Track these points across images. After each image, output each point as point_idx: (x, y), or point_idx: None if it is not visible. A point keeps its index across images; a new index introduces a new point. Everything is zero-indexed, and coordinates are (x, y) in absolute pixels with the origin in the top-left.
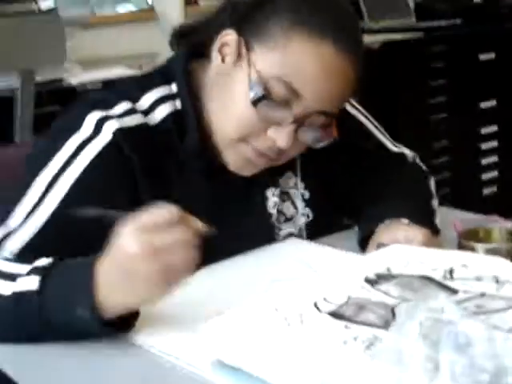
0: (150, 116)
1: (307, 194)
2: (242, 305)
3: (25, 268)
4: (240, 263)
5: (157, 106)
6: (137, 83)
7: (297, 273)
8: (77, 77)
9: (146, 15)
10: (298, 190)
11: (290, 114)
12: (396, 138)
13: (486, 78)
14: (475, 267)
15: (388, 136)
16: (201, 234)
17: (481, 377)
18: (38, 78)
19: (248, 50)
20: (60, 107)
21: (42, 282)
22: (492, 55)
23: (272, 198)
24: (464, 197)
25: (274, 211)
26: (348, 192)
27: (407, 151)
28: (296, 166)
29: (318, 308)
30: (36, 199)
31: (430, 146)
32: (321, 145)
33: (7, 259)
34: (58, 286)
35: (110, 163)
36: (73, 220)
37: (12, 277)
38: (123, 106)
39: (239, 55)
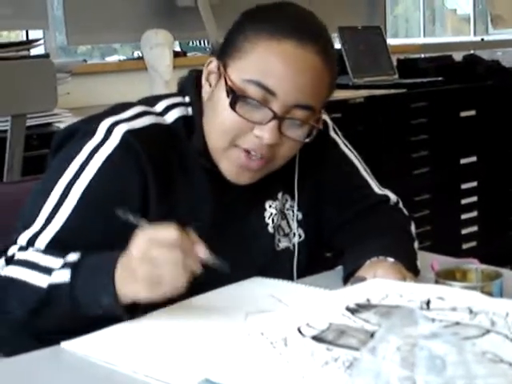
0: (163, 117)
1: (300, 216)
2: (226, 332)
3: (58, 262)
4: (212, 299)
5: (170, 110)
6: (155, 96)
7: (269, 307)
8: (66, 122)
9: (135, 65)
10: (294, 212)
11: (269, 111)
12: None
13: (466, 134)
14: (450, 299)
15: (374, 179)
16: (205, 262)
17: None
18: (29, 122)
19: (225, 68)
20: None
21: (73, 275)
22: (473, 112)
23: (269, 209)
24: (443, 250)
25: (269, 221)
26: (332, 227)
27: (391, 195)
28: (293, 188)
29: (301, 333)
30: (55, 203)
31: (411, 199)
32: (308, 140)
33: (44, 252)
34: (85, 277)
35: (120, 163)
36: (89, 219)
37: (48, 271)
38: (135, 109)
39: (220, 76)
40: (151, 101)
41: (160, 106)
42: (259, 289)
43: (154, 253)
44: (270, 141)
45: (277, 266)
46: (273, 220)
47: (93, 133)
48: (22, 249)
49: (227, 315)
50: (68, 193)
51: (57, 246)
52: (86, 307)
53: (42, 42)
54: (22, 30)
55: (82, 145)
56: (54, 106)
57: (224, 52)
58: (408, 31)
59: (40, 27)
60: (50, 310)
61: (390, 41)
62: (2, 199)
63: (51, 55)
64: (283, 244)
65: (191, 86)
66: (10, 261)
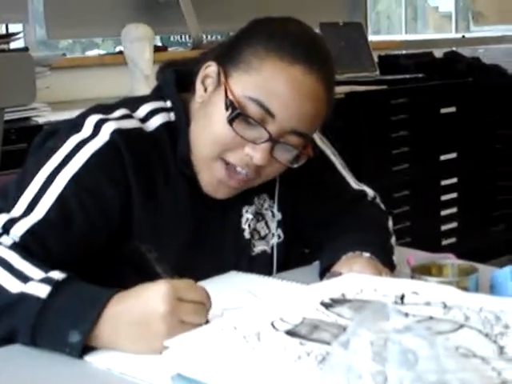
0: (145, 124)
1: (279, 216)
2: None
3: (39, 274)
4: None
5: (152, 116)
6: (134, 99)
7: (244, 302)
8: (45, 117)
9: (115, 59)
10: (274, 212)
11: (265, 132)
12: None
13: (446, 131)
14: (425, 294)
15: (351, 174)
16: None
17: None
18: (7, 116)
19: (226, 76)
20: (27, 145)
21: (51, 294)
22: (453, 109)
23: (246, 214)
24: (423, 246)
25: (246, 227)
26: (310, 224)
27: (369, 190)
28: (272, 188)
29: (274, 327)
30: (37, 191)
31: (391, 195)
32: (296, 165)
33: (24, 257)
34: (64, 304)
35: (106, 161)
36: (69, 212)
37: (25, 279)
38: (122, 111)
39: (219, 83)
40: (132, 104)
41: (142, 112)
42: (235, 283)
43: (183, 316)
44: (260, 162)
45: (252, 271)
46: (249, 225)
47: (79, 127)
48: None
49: None
50: (52, 181)
51: (33, 238)
52: (47, 333)
53: (21, 35)
54: (2, 24)
55: (67, 137)
56: (33, 99)
57: (227, 59)
58: (390, 28)
59: (20, 21)
60: (8, 318)
61: (372, 37)
62: None
63: (31, 49)
64: (258, 248)
65: (172, 89)
66: None
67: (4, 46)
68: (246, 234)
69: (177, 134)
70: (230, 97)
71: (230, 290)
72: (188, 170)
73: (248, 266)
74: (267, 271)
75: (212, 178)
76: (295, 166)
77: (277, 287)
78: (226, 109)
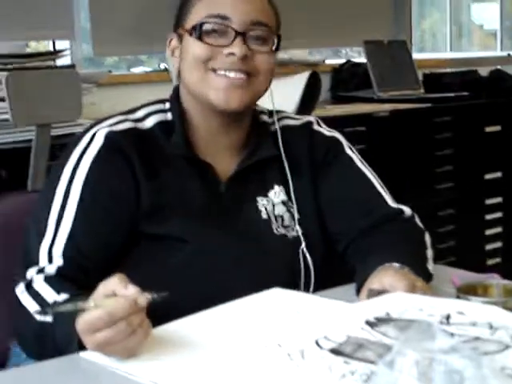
0: (141, 123)
1: (297, 215)
2: (244, 344)
3: (54, 298)
4: (230, 310)
5: (149, 116)
6: (137, 106)
7: (288, 319)
8: None
9: (160, 77)
10: (293, 214)
11: (231, 30)
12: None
13: (491, 149)
14: (471, 314)
15: (389, 194)
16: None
17: None
18: (53, 132)
19: (183, 28)
20: None
21: (54, 319)
22: (498, 128)
23: (261, 201)
24: (468, 266)
25: (262, 209)
26: (348, 241)
27: (406, 209)
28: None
29: (319, 345)
30: (58, 209)
31: (435, 214)
32: (276, 50)
33: (48, 280)
34: (61, 321)
35: (108, 159)
36: (93, 217)
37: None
38: (116, 118)
39: (181, 41)
40: (133, 109)
41: (140, 113)
42: (278, 301)
43: (102, 338)
44: (240, 53)
45: (279, 250)
46: (265, 208)
47: (79, 140)
48: (40, 271)
49: (246, 327)
50: (67, 197)
51: (72, 251)
52: (65, 349)
53: (68, 52)
54: (49, 41)
55: (71, 153)
56: (79, 116)
57: (178, 23)
58: (434, 46)
59: (66, 38)
60: (45, 343)
61: (416, 55)
62: (26, 207)
63: (77, 66)
64: (281, 231)
65: (173, 93)
66: (29, 286)
67: (51, 63)
68: (263, 215)
69: (172, 130)
70: (190, 26)
71: (272, 306)
72: (189, 152)
73: (272, 243)
74: (293, 254)
75: (218, 89)
76: (277, 51)
77: (320, 305)
78: (191, 34)
